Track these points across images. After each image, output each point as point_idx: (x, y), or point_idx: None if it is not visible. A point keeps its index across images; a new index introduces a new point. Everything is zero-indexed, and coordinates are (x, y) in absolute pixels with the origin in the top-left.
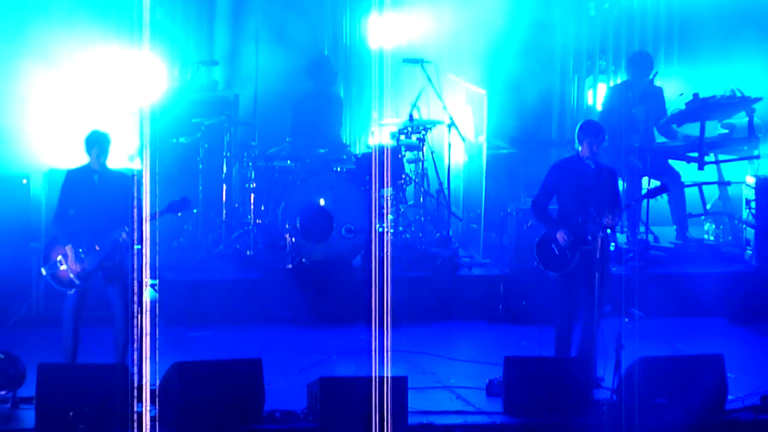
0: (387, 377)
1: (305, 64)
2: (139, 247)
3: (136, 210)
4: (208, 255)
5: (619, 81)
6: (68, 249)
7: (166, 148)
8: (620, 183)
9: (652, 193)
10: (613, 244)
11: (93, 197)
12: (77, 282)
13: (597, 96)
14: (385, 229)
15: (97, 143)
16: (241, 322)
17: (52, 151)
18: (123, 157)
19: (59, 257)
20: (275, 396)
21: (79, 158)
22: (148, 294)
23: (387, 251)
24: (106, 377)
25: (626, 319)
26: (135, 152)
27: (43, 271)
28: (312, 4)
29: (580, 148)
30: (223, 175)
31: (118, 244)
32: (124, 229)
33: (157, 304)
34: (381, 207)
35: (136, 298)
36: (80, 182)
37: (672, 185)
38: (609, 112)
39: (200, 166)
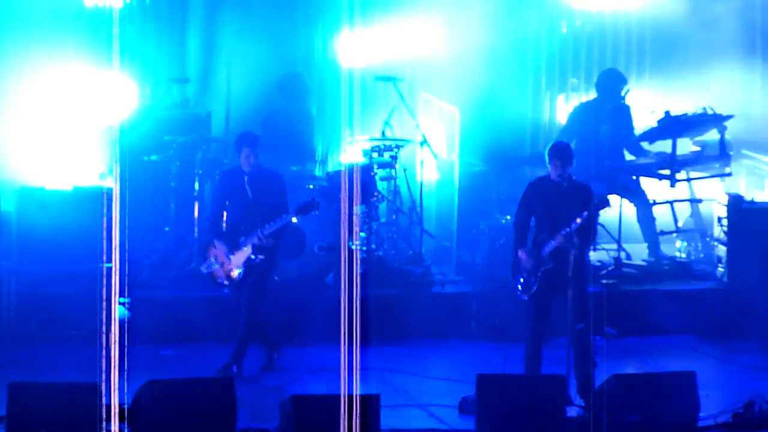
0: (359, 395)
1: (277, 81)
2: (110, 265)
3: (108, 228)
4: (180, 273)
5: (591, 97)
6: (219, 249)
7: (137, 165)
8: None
9: (595, 207)
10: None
11: (243, 197)
12: (226, 282)
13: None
14: (357, 247)
15: (247, 144)
16: (214, 339)
17: (23, 168)
18: (94, 174)
19: (212, 257)
20: (248, 414)
21: (52, 174)
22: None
23: (357, 269)
24: (77, 396)
25: (599, 337)
26: (106, 170)
27: (202, 270)
28: (284, 21)
29: (549, 168)
30: (195, 193)
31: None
32: (258, 232)
33: (128, 322)
34: (353, 224)
35: (104, 316)
36: (231, 183)
37: (640, 204)
38: (573, 130)
39: (172, 183)
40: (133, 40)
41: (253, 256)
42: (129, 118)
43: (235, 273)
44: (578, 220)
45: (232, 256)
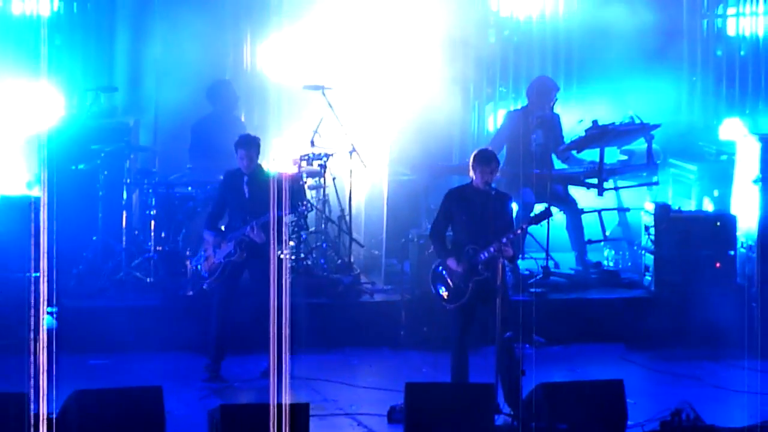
0: (287, 404)
1: (206, 88)
2: (38, 274)
3: (35, 237)
4: (108, 282)
5: (519, 106)
6: (208, 240)
7: (65, 174)
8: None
9: (537, 218)
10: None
11: (241, 197)
12: (207, 276)
13: (497, 122)
14: (287, 256)
15: (241, 146)
16: (142, 349)
17: None
18: (21, 183)
19: (203, 250)
20: (176, 424)
21: None
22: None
23: (286, 278)
24: (4, 405)
25: (527, 345)
26: (33, 179)
27: (191, 264)
28: (212, 29)
29: (473, 177)
30: (123, 202)
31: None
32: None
33: (55, 332)
34: (282, 233)
35: (32, 325)
36: (231, 182)
37: (569, 212)
38: (503, 138)
39: (100, 192)
40: (60, 49)
41: (233, 251)
42: (56, 126)
43: (215, 266)
44: (518, 231)
45: (217, 249)
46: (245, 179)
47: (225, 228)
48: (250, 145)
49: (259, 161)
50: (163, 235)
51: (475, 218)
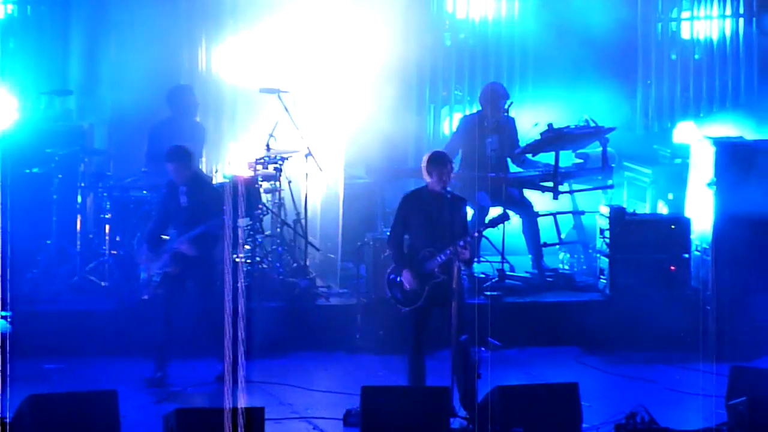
0: (243, 408)
1: (166, 92)
2: None
3: None
4: (63, 286)
5: (475, 109)
6: (143, 254)
7: (19, 178)
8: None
9: (494, 222)
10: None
11: (178, 207)
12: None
13: (453, 125)
14: (242, 260)
15: (168, 160)
16: (97, 353)
17: None
18: None
19: (142, 264)
20: (131, 428)
21: None
22: None
23: (241, 281)
24: None
25: (482, 348)
26: None
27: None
28: (167, 33)
29: (428, 180)
30: (78, 206)
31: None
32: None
33: (9, 336)
34: (237, 237)
35: None
36: (169, 193)
37: (524, 215)
38: (458, 142)
39: (54, 196)
40: (14, 52)
41: (169, 263)
42: (10, 130)
43: (152, 277)
44: (475, 234)
45: (152, 262)
46: (182, 189)
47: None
48: (174, 158)
49: (194, 168)
50: (117, 238)
51: (431, 222)
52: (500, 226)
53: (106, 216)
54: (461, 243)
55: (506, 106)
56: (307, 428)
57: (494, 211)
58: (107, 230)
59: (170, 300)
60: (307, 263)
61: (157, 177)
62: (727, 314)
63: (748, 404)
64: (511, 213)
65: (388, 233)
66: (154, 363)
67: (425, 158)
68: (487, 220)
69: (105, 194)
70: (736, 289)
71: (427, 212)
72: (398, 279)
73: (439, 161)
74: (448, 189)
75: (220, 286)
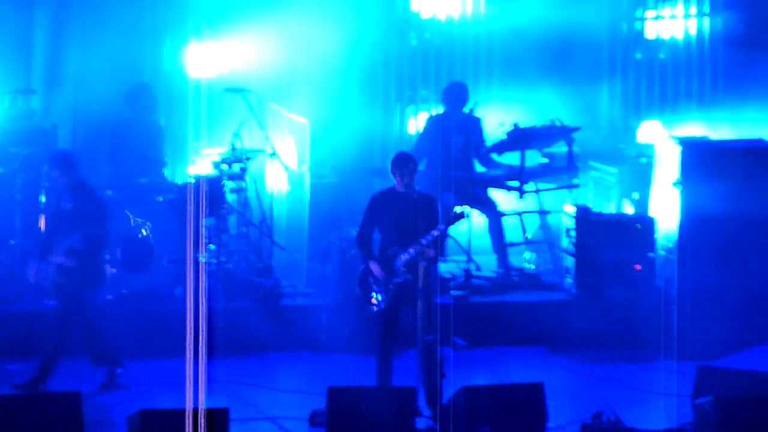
0: (207, 409)
1: (125, 92)
2: None
3: None
4: (26, 286)
5: (440, 110)
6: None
7: None
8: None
9: (452, 219)
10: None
11: (58, 213)
12: None
13: (418, 125)
14: (206, 259)
15: (49, 164)
16: (61, 354)
17: None
18: None
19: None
20: (95, 429)
21: None
22: None
23: (203, 281)
24: None
25: (448, 348)
26: None
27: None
28: (132, 32)
29: (394, 180)
30: (41, 206)
31: None
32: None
33: None
34: (201, 237)
35: None
36: (50, 199)
37: (490, 215)
38: (425, 142)
39: (18, 196)
40: None
41: (55, 276)
42: None
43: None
44: (435, 233)
45: (39, 274)
46: (65, 196)
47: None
48: (55, 164)
49: (77, 175)
50: None
51: (399, 221)
52: (464, 225)
53: None
54: (424, 241)
55: (472, 106)
56: (273, 429)
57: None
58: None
59: (65, 311)
60: (273, 263)
61: (120, 176)
62: (691, 313)
63: (714, 403)
64: (474, 212)
65: (357, 233)
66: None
67: (391, 159)
68: (446, 216)
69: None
70: (700, 289)
71: (395, 212)
72: (369, 277)
73: (399, 162)
74: (417, 189)
75: (91, 295)
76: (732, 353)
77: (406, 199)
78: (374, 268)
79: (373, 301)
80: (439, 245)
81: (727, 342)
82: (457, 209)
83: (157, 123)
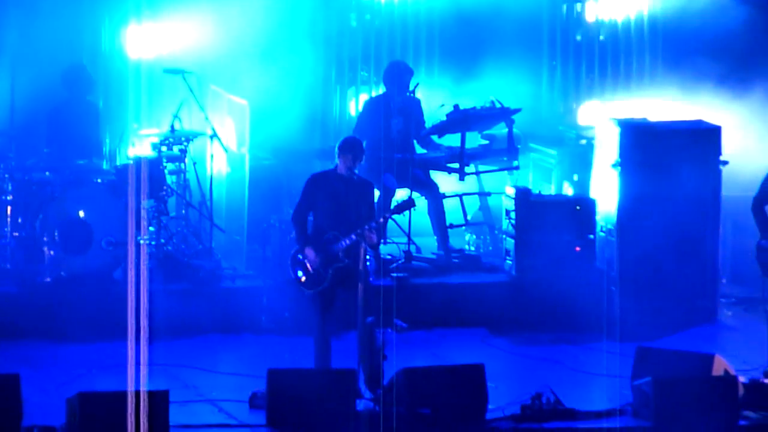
0: (147, 391)
1: (61, 73)
2: None
3: None
4: None
5: (380, 92)
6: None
7: None
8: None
9: (399, 208)
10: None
11: None
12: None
13: (359, 107)
14: (146, 241)
15: None
16: None
17: None
18: None
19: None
20: (34, 411)
21: None
22: None
23: (145, 263)
24: None
25: (389, 330)
26: None
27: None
28: (70, 13)
29: (339, 162)
30: None
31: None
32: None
33: None
34: (141, 219)
35: None
36: None
37: (430, 197)
38: (365, 124)
39: None
40: None
41: None
42: None
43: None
44: (381, 220)
45: None
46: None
47: None
48: None
49: None
50: (20, 220)
51: (338, 204)
52: (407, 211)
53: (8, 198)
54: (367, 227)
55: (412, 87)
56: (213, 411)
57: (400, 193)
58: (9, 212)
59: None
60: (213, 245)
61: (59, 158)
62: (631, 295)
63: (653, 384)
64: (416, 195)
65: (293, 211)
66: None
67: (338, 142)
68: (393, 205)
69: (6, 176)
70: (640, 270)
71: (334, 194)
72: (303, 259)
73: (345, 148)
74: (356, 173)
75: None
76: (672, 334)
77: (345, 182)
78: (309, 253)
79: (302, 280)
80: (381, 230)
81: (667, 323)
82: (404, 193)
83: (94, 104)
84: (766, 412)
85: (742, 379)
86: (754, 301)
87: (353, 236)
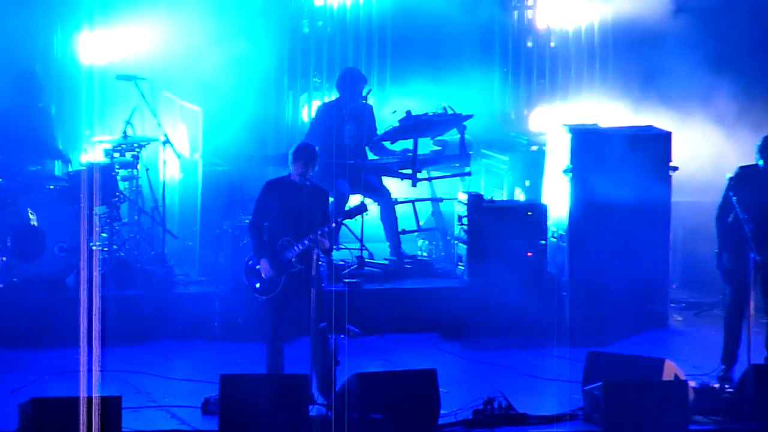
0: (99, 397)
1: (12, 78)
2: None
3: None
4: None
5: (333, 98)
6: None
7: None
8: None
9: (351, 213)
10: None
11: None
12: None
13: (312, 113)
14: (98, 248)
15: None
16: None
17: None
18: None
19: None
20: None
21: None
22: None
23: (98, 269)
24: None
25: (341, 335)
26: None
27: None
28: (22, 18)
29: (292, 169)
30: None
31: None
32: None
33: None
34: (94, 225)
35: None
36: None
37: (383, 202)
38: (317, 130)
39: None
40: None
41: None
42: None
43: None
44: (333, 225)
45: None
46: None
47: None
48: None
49: None
50: None
51: (291, 211)
52: (359, 216)
53: None
54: (320, 232)
55: (364, 93)
56: (165, 417)
57: (353, 199)
58: None
59: None
60: (166, 251)
61: (10, 164)
62: (582, 300)
63: (604, 389)
64: (369, 201)
65: (249, 220)
66: None
67: (293, 148)
68: (345, 209)
69: None
70: (591, 275)
71: (288, 201)
72: (256, 266)
73: (296, 154)
74: (310, 180)
75: None
76: (622, 339)
77: (299, 189)
78: (263, 262)
79: (256, 287)
80: (334, 235)
81: (618, 328)
82: (356, 199)
83: (46, 110)
84: (716, 416)
85: (692, 383)
86: (704, 306)
87: (306, 241)
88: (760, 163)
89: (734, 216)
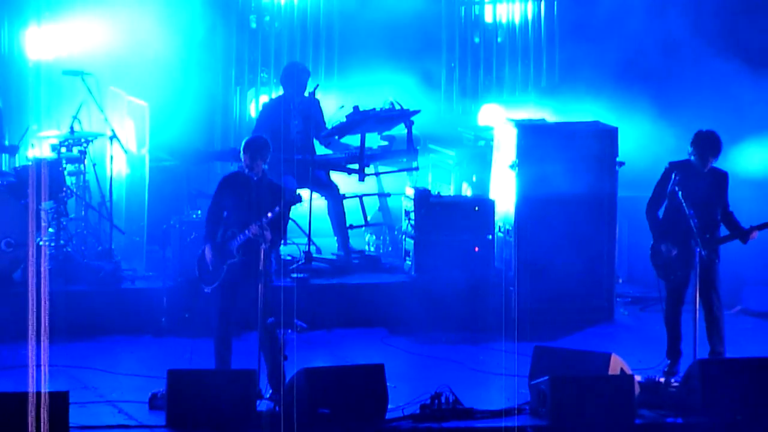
0: (47, 392)
1: None
2: None
3: None
4: None
5: (280, 94)
6: None
7: None
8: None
9: (287, 203)
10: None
11: None
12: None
13: (259, 108)
14: (46, 243)
15: None
16: None
17: None
18: None
19: None
20: None
21: None
22: None
23: (45, 265)
24: None
25: (289, 330)
26: None
27: None
28: None
29: (243, 162)
30: None
31: None
32: None
33: None
34: (41, 220)
35: None
36: None
37: (330, 197)
38: (264, 126)
39: None
40: None
41: None
42: None
43: None
44: (269, 215)
45: None
46: None
47: None
48: None
49: None
50: None
51: (242, 204)
52: (302, 207)
53: None
54: (258, 223)
55: (311, 89)
56: (112, 412)
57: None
58: None
59: None
60: (113, 246)
61: None
62: (529, 295)
63: (550, 383)
64: (317, 195)
65: (207, 210)
66: None
67: (243, 141)
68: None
69: None
70: (537, 270)
71: (240, 195)
72: (204, 255)
73: (243, 148)
74: (264, 174)
75: None
76: (569, 334)
77: (250, 183)
78: (207, 250)
79: (202, 276)
80: (282, 229)
81: (565, 322)
82: (292, 193)
83: None
84: (661, 410)
85: (638, 378)
86: (649, 300)
87: (247, 232)
88: (692, 158)
89: (672, 209)
